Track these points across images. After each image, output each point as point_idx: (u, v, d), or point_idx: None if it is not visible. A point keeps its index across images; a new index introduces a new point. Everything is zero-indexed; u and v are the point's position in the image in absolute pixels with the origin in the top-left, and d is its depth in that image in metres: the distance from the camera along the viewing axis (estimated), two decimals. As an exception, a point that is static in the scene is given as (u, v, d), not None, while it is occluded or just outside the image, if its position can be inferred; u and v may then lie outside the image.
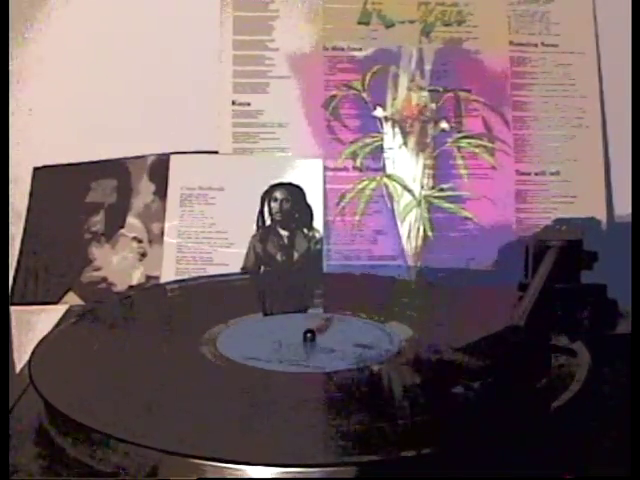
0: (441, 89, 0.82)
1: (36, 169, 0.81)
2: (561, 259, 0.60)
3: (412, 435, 0.43)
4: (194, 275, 0.77)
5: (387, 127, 0.81)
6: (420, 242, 0.80)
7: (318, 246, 0.79)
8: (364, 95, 0.81)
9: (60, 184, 0.81)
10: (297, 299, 0.71)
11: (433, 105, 0.82)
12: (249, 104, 0.81)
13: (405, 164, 0.81)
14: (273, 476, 0.39)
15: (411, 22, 0.82)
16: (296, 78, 0.81)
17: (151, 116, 0.81)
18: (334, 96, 0.81)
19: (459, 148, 0.81)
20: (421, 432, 0.43)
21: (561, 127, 0.82)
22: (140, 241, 0.79)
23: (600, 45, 0.83)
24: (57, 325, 0.66)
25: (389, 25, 0.82)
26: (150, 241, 0.79)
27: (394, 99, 0.81)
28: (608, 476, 0.42)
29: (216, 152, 0.81)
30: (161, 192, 0.80)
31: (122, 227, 0.80)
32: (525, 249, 0.64)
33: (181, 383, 0.51)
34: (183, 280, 0.75)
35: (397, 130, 0.81)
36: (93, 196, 0.81)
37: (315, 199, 0.79)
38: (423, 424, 0.44)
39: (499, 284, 0.71)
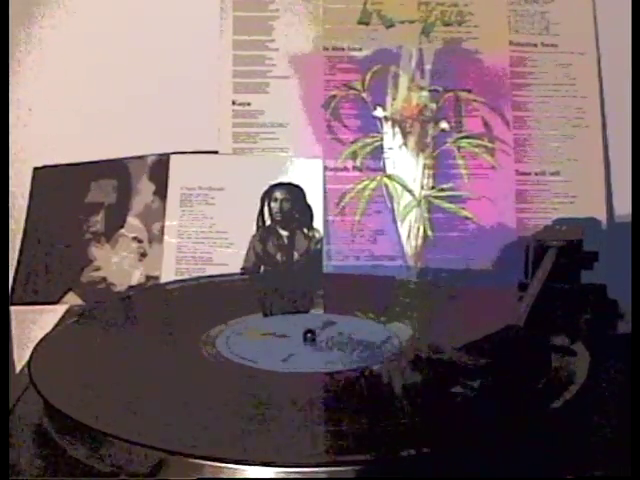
0: (441, 89, 0.82)
1: (36, 169, 0.81)
2: (561, 259, 0.60)
3: (412, 435, 0.43)
4: (194, 275, 0.77)
5: (387, 127, 0.81)
6: (420, 242, 0.80)
7: (318, 246, 0.79)
8: (364, 95, 0.81)
9: (60, 184, 0.81)
10: (297, 299, 0.71)
11: (433, 105, 0.82)
12: (249, 104, 0.81)
13: (405, 164, 0.81)
14: (273, 476, 0.39)
15: (411, 22, 0.82)
16: (296, 78, 0.81)
17: (151, 116, 0.81)
18: (334, 96, 0.81)
19: (459, 148, 0.81)
20: (421, 432, 0.43)
21: (561, 127, 0.82)
22: (140, 241, 0.79)
23: (600, 45, 0.83)
24: (57, 325, 0.66)
25: (389, 25, 0.82)
26: (150, 241, 0.79)
27: (394, 99, 0.81)
28: (608, 476, 0.42)
29: (216, 152, 0.81)
30: (161, 192, 0.80)
31: (122, 227, 0.80)
32: (525, 249, 0.64)
33: (181, 383, 0.51)
34: (183, 280, 0.75)
35: (397, 130, 0.81)
36: (93, 196, 0.81)
37: (315, 199, 0.79)
38: (423, 424, 0.44)
39: (499, 284, 0.71)
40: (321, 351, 0.54)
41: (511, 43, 0.83)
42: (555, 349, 0.52)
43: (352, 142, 0.81)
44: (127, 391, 0.49)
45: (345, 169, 0.81)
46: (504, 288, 0.64)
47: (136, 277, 0.79)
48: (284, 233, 0.79)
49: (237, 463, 0.39)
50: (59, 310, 0.74)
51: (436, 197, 0.80)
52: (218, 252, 0.78)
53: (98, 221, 0.80)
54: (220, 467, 0.39)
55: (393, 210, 0.80)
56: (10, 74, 0.77)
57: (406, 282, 0.76)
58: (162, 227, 0.79)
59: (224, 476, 0.39)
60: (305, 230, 0.79)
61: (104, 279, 0.79)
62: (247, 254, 0.78)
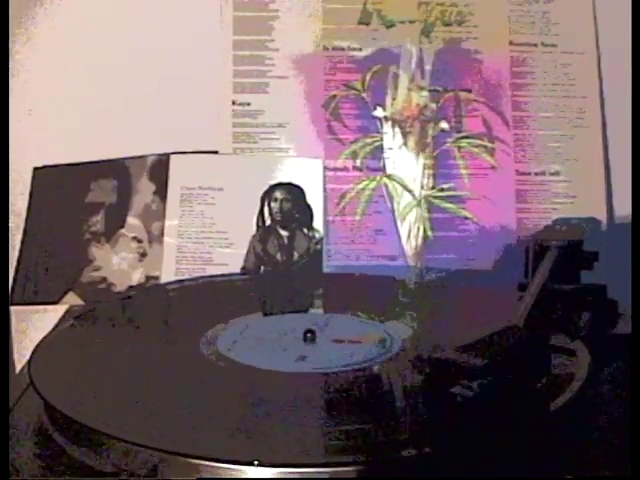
0: (441, 89, 0.82)
1: (36, 169, 0.81)
2: (561, 259, 0.60)
3: (412, 435, 0.43)
4: (194, 275, 0.77)
5: (387, 127, 0.81)
6: (420, 242, 0.80)
7: (318, 246, 0.79)
8: (364, 95, 0.81)
9: (60, 184, 0.81)
10: (297, 299, 0.71)
11: (433, 105, 0.82)
12: (249, 104, 0.81)
13: (405, 164, 0.81)
14: (273, 476, 0.39)
15: (411, 22, 0.82)
16: (296, 78, 0.81)
17: (151, 116, 0.81)
18: (334, 96, 0.81)
19: (459, 148, 0.81)
20: (420, 432, 0.43)
21: (561, 127, 0.82)
22: (140, 241, 0.79)
23: (600, 45, 0.83)
24: (57, 325, 0.66)
25: (389, 25, 0.82)
26: (150, 241, 0.79)
27: (394, 99, 0.81)
28: (608, 476, 0.42)
29: (216, 152, 0.81)
30: (161, 192, 0.80)
31: (122, 227, 0.80)
32: (525, 249, 0.64)
33: (181, 383, 0.51)
34: (183, 280, 0.75)
35: (397, 130, 0.81)
36: (93, 196, 0.81)
37: (315, 199, 0.79)
38: (423, 424, 0.44)
39: (499, 284, 0.71)
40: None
41: (511, 43, 0.83)
42: (555, 349, 0.52)
43: (352, 142, 0.81)
44: (127, 391, 0.49)
45: (345, 169, 0.81)
46: (504, 288, 0.64)
47: (136, 277, 0.79)
48: (284, 233, 0.79)
49: (237, 463, 0.39)
50: (59, 310, 0.74)
51: (436, 197, 0.80)
52: (218, 252, 0.78)
53: (98, 221, 0.80)
54: (219, 467, 0.39)
55: (393, 210, 0.80)
56: (10, 74, 0.77)
57: (406, 282, 0.76)
58: (162, 227, 0.79)
59: (224, 476, 0.39)
60: (305, 230, 0.79)
61: (104, 279, 0.79)
62: (247, 254, 0.78)
